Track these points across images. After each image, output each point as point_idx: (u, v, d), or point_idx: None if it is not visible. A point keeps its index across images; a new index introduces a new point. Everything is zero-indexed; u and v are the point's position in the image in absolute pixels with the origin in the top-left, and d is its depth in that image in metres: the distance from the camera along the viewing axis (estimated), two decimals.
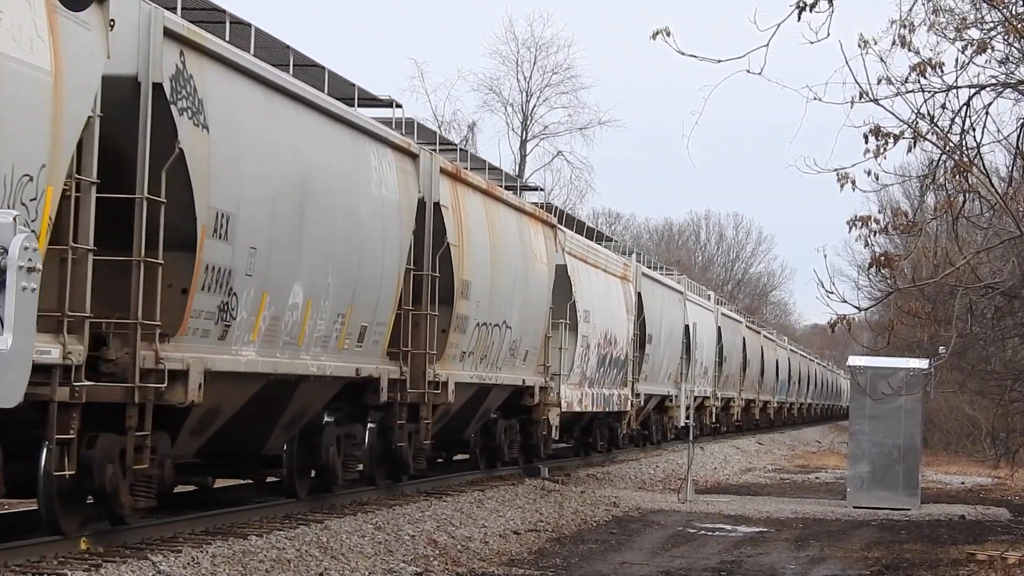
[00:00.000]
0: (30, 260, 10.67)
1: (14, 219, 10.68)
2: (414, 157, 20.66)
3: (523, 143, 69.82)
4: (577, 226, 33.54)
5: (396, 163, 19.83)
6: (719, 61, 12.30)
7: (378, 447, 20.52)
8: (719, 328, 51.65)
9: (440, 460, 27.23)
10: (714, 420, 51.70)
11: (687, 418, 29.70)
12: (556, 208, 31.62)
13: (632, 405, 36.26)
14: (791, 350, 79.52)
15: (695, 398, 43.43)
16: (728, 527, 22.67)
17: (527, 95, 69.59)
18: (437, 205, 21.45)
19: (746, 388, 59.48)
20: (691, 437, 30.19)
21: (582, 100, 74.13)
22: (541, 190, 31.43)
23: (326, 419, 18.95)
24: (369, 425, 20.18)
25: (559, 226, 29.31)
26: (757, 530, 22.43)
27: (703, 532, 21.77)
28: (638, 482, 31.44)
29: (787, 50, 13.10)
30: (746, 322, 61.64)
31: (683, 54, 12.34)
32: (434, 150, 22.21)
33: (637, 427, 39.36)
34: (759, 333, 65.20)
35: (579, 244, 31.42)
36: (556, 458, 31.73)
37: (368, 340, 18.97)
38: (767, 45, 12.07)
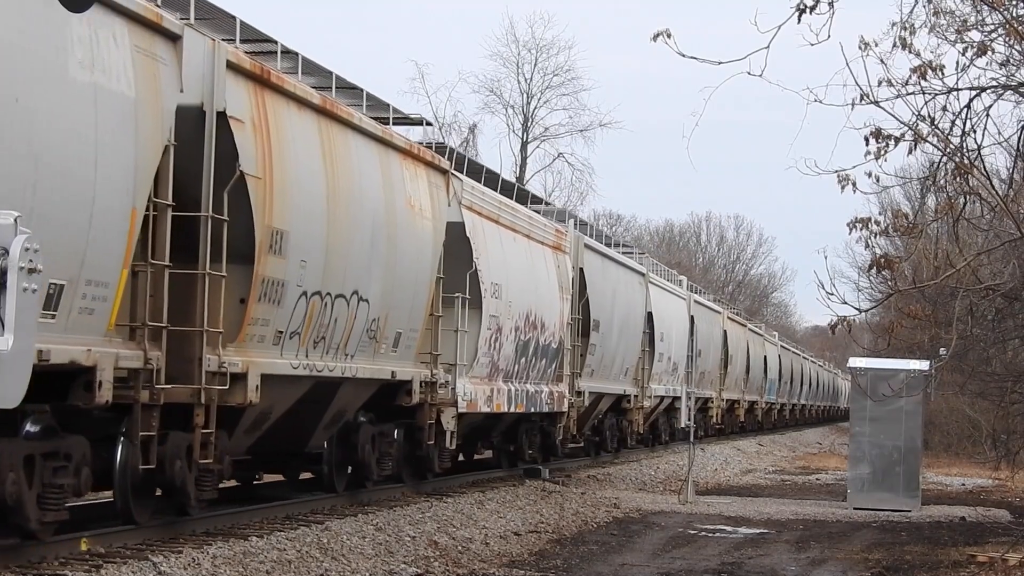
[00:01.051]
0: (31, 261, 10.68)
1: (15, 220, 10.68)
2: (173, 39, 13.98)
3: (524, 145, 69.84)
4: (488, 178, 26.05)
5: (133, 42, 13.27)
6: (719, 63, 12.32)
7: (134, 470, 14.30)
8: (692, 318, 45.10)
9: (314, 478, 20.52)
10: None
11: (688, 419, 29.69)
12: (451, 150, 24.09)
13: (572, 405, 29.66)
14: (782, 346, 73.34)
15: (659, 398, 39.33)
16: (729, 528, 22.68)
17: (528, 97, 69.63)
18: (224, 116, 14.84)
19: (728, 387, 53.30)
20: (692, 439, 30.17)
21: (583, 102, 74.28)
22: (429, 124, 23.34)
23: (29, 429, 12.62)
24: (122, 440, 14.07)
25: (455, 172, 22.43)
26: (758, 531, 22.44)
27: (704, 533, 21.78)
28: (639, 483, 31.44)
29: (788, 52, 13.13)
30: (727, 313, 55.24)
31: (684, 56, 12.37)
32: (230, 41, 15.91)
33: (587, 432, 33.68)
34: (744, 326, 59.17)
35: (487, 199, 24.28)
36: (476, 470, 27.31)
37: (69, 308, 12.41)
38: (768, 47, 12.10)
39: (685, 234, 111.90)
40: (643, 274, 37.40)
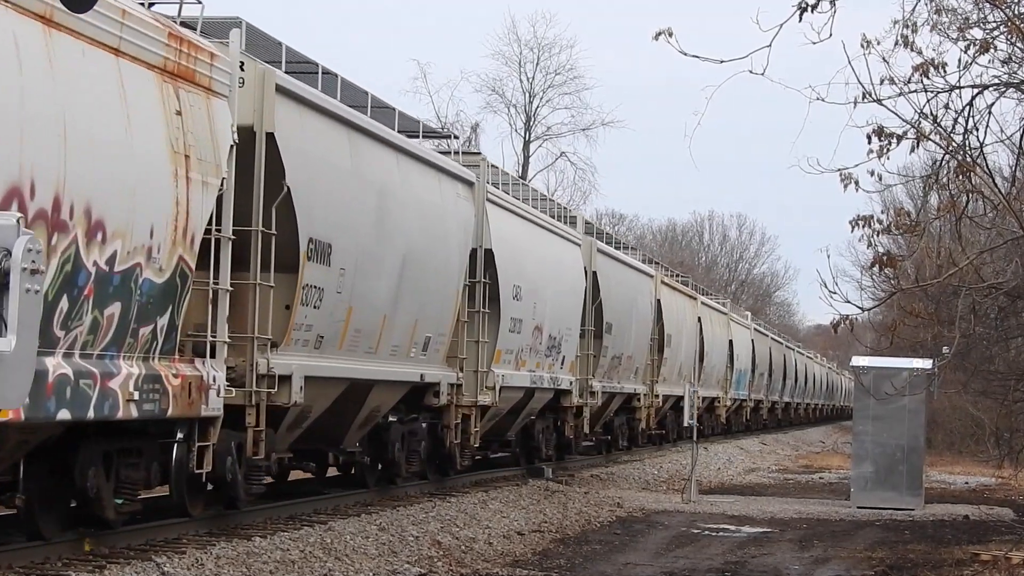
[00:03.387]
0: (33, 262, 10.68)
1: (17, 221, 10.68)
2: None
3: (526, 144, 69.80)
4: None
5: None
6: (721, 62, 12.30)
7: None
8: (595, 275, 31.14)
9: None
10: (592, 429, 33.10)
11: (691, 418, 29.65)
12: None
13: (258, 403, 15.79)
14: (757, 330, 60.95)
15: (520, 390, 25.54)
16: (732, 527, 22.68)
17: (530, 96, 69.55)
18: None
19: (667, 379, 40.01)
20: (695, 438, 30.14)
21: (585, 101, 74.03)
22: None
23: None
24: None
25: None
26: (761, 530, 22.44)
27: (707, 533, 21.78)
28: (642, 483, 31.42)
29: (790, 51, 13.12)
30: (664, 277, 40.59)
31: (686, 55, 12.35)
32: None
33: (356, 446, 19.63)
34: (693, 299, 45.54)
35: None
36: None
37: None
38: (770, 46, 12.08)
39: (688, 233, 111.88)
40: (470, 182, 22.79)
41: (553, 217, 28.99)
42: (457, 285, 22.15)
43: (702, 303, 47.00)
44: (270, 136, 16.06)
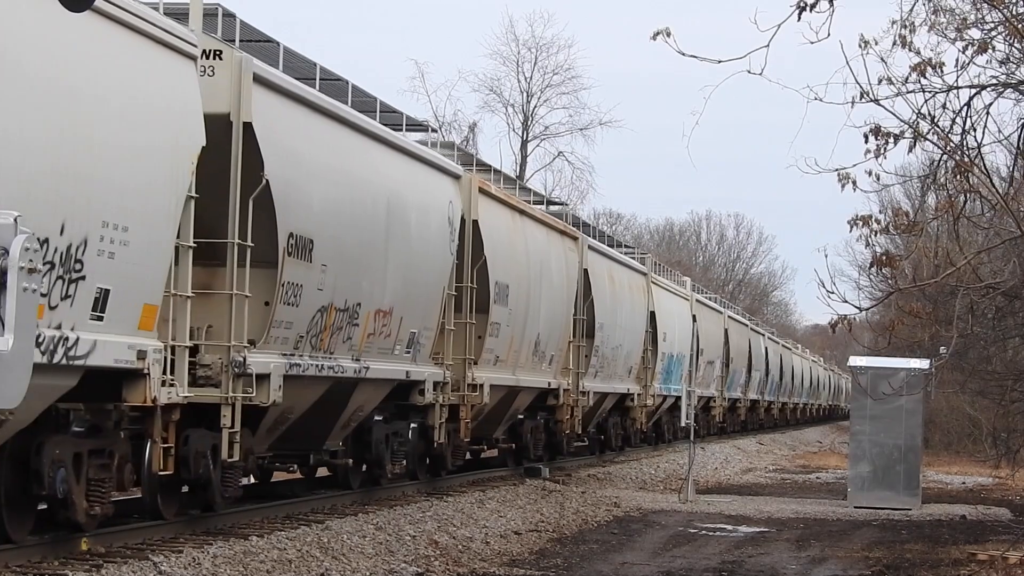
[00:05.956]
0: (31, 261, 10.67)
1: (15, 220, 10.67)
2: None
3: (524, 144, 69.79)
4: None
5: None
6: (719, 62, 12.30)
7: None
8: (248, 125, 15.25)
9: None
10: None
11: (688, 417, 29.63)
12: None
13: None
14: (699, 302, 46.23)
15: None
16: (729, 527, 22.68)
17: (528, 96, 69.53)
18: None
19: (508, 361, 25.44)
20: (691, 438, 30.14)
21: (583, 101, 73.97)
22: None
23: None
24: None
25: None
26: (758, 530, 22.44)
27: (704, 532, 21.78)
28: (639, 482, 31.43)
29: (788, 51, 13.12)
30: (487, 184, 24.38)
31: (683, 55, 12.34)
32: None
33: None
34: (572, 239, 29.88)
35: None
36: None
37: None
38: (767, 46, 12.08)
39: (685, 233, 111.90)
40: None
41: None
42: None
43: (590, 248, 31.30)
44: None
